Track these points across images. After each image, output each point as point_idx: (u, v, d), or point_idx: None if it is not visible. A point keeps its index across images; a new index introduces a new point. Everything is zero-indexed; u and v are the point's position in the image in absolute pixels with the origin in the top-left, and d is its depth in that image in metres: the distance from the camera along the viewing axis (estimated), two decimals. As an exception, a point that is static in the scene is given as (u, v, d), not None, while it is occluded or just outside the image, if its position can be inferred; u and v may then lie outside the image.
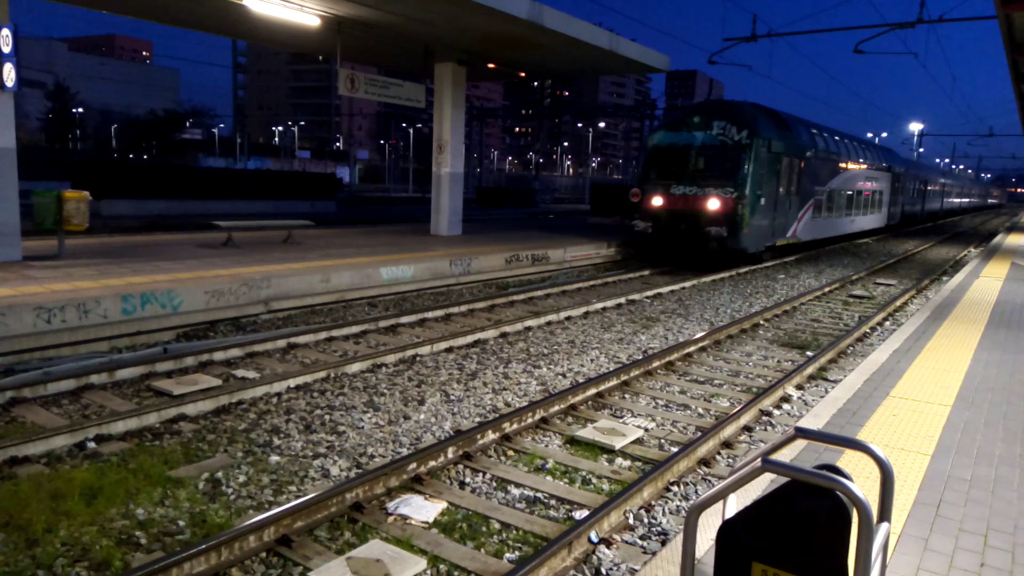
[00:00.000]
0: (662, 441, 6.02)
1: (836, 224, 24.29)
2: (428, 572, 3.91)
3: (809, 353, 9.41)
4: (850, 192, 25.40)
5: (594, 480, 5.20)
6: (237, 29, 16.58)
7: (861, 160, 26.57)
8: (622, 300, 12.44)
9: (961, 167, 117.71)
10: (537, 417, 6.26)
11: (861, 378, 6.43)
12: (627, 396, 7.26)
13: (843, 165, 24.04)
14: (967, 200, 71.00)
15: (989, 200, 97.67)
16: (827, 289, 15.00)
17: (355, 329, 9.41)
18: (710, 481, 5.29)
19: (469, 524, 4.49)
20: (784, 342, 10.09)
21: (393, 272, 12.31)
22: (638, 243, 17.93)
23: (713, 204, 16.40)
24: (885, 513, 2.39)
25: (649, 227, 17.32)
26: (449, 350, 8.75)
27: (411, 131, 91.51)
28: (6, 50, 10.41)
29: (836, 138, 24.01)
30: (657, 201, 17.25)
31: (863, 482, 4.08)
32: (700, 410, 6.92)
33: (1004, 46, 13.88)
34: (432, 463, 5.18)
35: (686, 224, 16.75)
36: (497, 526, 4.48)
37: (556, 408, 6.50)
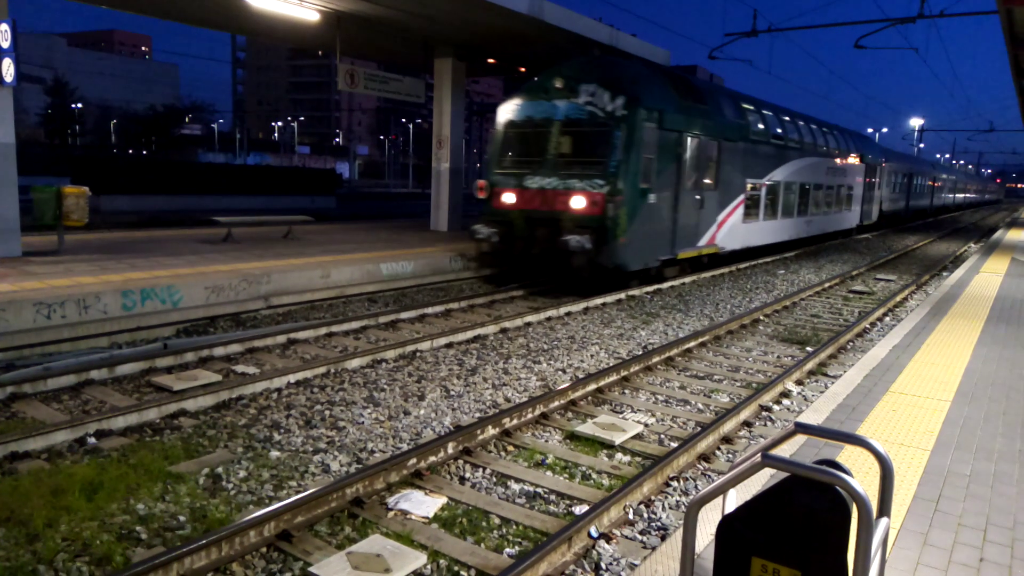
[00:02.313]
0: (662, 436, 6.03)
1: (781, 227, 19.53)
2: (428, 567, 3.92)
3: (809, 349, 9.41)
4: (804, 186, 20.73)
5: (594, 475, 5.21)
6: (237, 24, 16.55)
7: (821, 147, 21.96)
8: (621, 296, 12.44)
9: (962, 162, 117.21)
10: (537, 412, 6.27)
11: (861, 374, 6.43)
12: (627, 391, 7.27)
13: (793, 152, 19.45)
14: (962, 196, 67.42)
15: (986, 196, 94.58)
16: (827, 285, 14.99)
17: (355, 325, 9.41)
18: (710, 476, 5.29)
19: (469, 519, 4.50)
20: (784, 338, 10.09)
21: (393, 268, 12.31)
22: (482, 257, 12.92)
23: (577, 203, 11.72)
24: (885, 508, 2.40)
25: (495, 234, 12.39)
26: (449, 346, 8.76)
27: (411, 127, 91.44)
28: (5, 45, 10.39)
29: (784, 118, 19.42)
30: (508, 198, 12.55)
31: (863, 477, 4.08)
32: (700, 405, 6.92)
33: (1005, 41, 13.85)
34: (432, 458, 5.18)
35: (544, 230, 11.88)
36: (497, 521, 4.49)
37: (556, 404, 6.50)
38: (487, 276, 13.74)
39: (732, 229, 16.09)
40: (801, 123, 20.72)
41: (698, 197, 14.17)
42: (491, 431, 5.75)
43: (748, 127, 16.37)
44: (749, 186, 16.69)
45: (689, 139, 13.54)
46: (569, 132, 12.36)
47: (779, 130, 18.58)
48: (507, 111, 13.16)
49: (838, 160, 23.71)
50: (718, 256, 15.91)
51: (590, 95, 12.14)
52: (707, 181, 14.55)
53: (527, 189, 12.35)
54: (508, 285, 12.96)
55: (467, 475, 5.13)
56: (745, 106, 16.79)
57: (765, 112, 18.08)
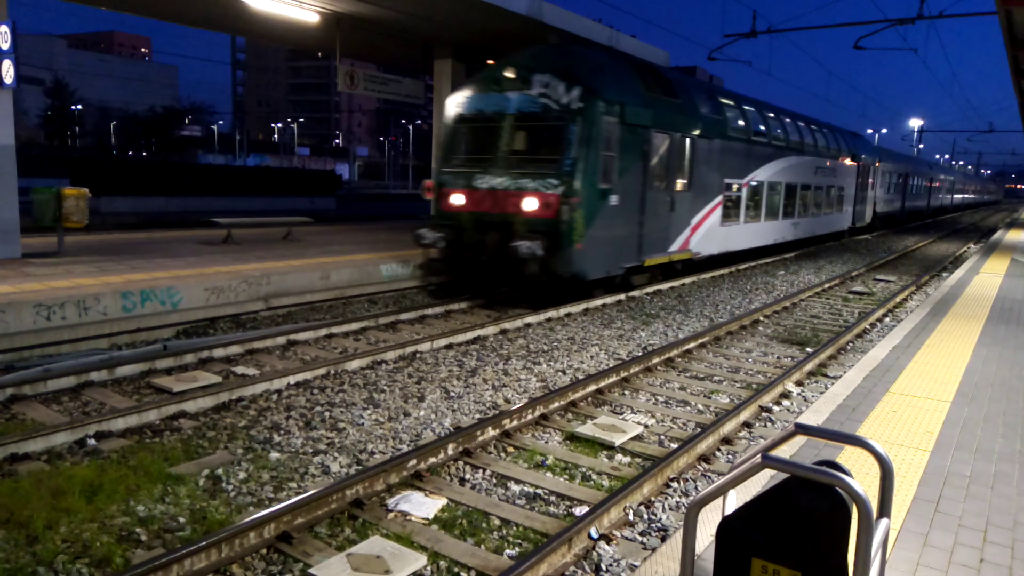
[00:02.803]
0: (662, 437, 6.03)
1: (765, 230, 18.34)
2: (428, 568, 3.92)
3: (809, 349, 9.41)
4: (790, 186, 19.54)
5: (594, 476, 5.20)
6: (236, 25, 16.56)
7: (810, 145, 20.82)
8: (621, 297, 12.44)
9: (961, 163, 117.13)
10: (537, 414, 6.27)
11: (861, 374, 6.43)
12: (627, 392, 7.27)
13: (777, 150, 18.31)
14: (960, 197, 66.30)
15: (985, 196, 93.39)
16: (827, 285, 15.00)
17: (355, 326, 9.41)
18: (710, 477, 5.29)
19: (469, 520, 4.49)
20: (784, 338, 10.09)
21: (393, 269, 12.31)
22: (428, 265, 11.78)
23: (529, 205, 10.63)
24: (885, 509, 2.40)
25: (441, 239, 11.30)
26: (449, 347, 8.75)
27: (411, 128, 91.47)
28: (4, 47, 10.39)
29: (768, 114, 18.27)
30: (457, 200, 11.45)
31: (863, 478, 4.08)
32: (700, 406, 6.92)
33: (1004, 42, 13.86)
34: (432, 460, 5.18)
35: (494, 235, 10.79)
36: (497, 522, 4.48)
37: (556, 405, 6.50)
38: (434, 286, 12.63)
39: (708, 233, 14.93)
40: (787, 120, 19.67)
41: (668, 199, 13.05)
42: (491, 432, 5.74)
43: (726, 123, 15.24)
44: (728, 186, 15.55)
45: (657, 135, 12.41)
46: (522, 127, 11.26)
47: (762, 127, 17.45)
48: (456, 104, 12.01)
49: (828, 159, 22.64)
50: (693, 262, 14.78)
51: (544, 86, 11.00)
52: (679, 181, 13.43)
53: (477, 189, 11.24)
54: (454, 296, 11.72)
55: (467, 476, 5.13)
56: (723, 101, 15.66)
57: (746, 108, 16.93)
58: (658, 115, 12.42)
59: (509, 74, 11.38)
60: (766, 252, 19.98)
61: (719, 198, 15.16)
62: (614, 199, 11.31)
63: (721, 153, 15.00)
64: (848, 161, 24.95)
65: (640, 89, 12.15)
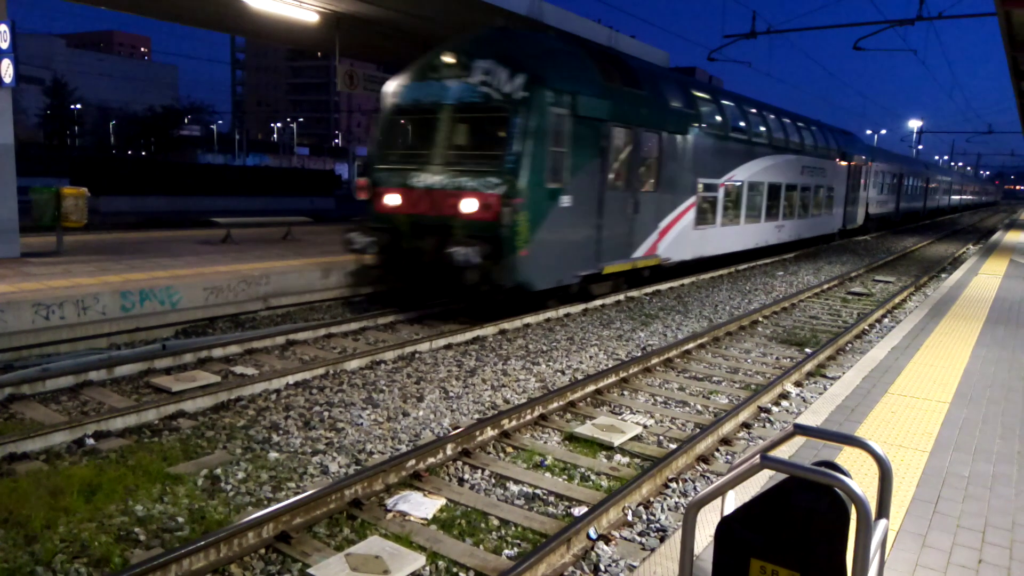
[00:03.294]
0: (661, 438, 6.03)
1: (745, 233, 17.19)
2: (427, 568, 3.92)
3: (808, 350, 9.42)
4: (774, 186, 18.38)
5: (593, 477, 5.21)
6: (236, 25, 16.56)
7: (796, 143, 19.76)
8: (620, 297, 12.44)
9: (960, 164, 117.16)
10: (536, 414, 6.27)
11: (860, 375, 6.44)
12: (626, 393, 7.27)
13: (759, 148, 17.21)
14: (957, 198, 65.48)
15: (983, 198, 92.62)
16: (826, 286, 15.01)
17: (354, 326, 9.41)
18: (709, 478, 5.29)
19: (468, 520, 4.49)
20: (783, 339, 10.09)
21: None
22: (360, 272, 10.84)
23: (467, 206, 9.56)
24: (883, 509, 2.40)
25: (373, 244, 10.17)
26: (448, 347, 8.75)
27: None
28: (4, 46, 10.38)
29: (749, 110, 17.20)
30: (392, 200, 10.32)
31: (861, 479, 4.09)
32: (699, 407, 6.92)
33: (1003, 43, 13.87)
34: (431, 460, 5.18)
35: (431, 240, 9.72)
36: (496, 522, 4.48)
37: (555, 405, 6.50)
38: (360, 296, 11.43)
39: (680, 237, 13.74)
40: (771, 116, 18.53)
41: (631, 200, 11.90)
42: (490, 432, 5.74)
43: (700, 118, 14.07)
44: (702, 187, 14.45)
45: (617, 129, 11.25)
46: (461, 119, 10.13)
47: (742, 123, 16.36)
48: (392, 93, 10.74)
49: (817, 158, 21.61)
50: (663, 269, 13.61)
51: (485, 73, 9.80)
52: (644, 180, 12.31)
53: (413, 189, 10.09)
54: (382, 308, 10.61)
55: (466, 476, 5.13)
56: (697, 94, 14.49)
57: (724, 102, 15.80)
58: (618, 107, 11.27)
59: (448, 59, 10.17)
60: (746, 257, 18.84)
61: (692, 199, 14.08)
62: (566, 200, 10.18)
63: (694, 151, 13.92)
64: (838, 160, 24.12)
65: (596, 78, 10.97)
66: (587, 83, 10.65)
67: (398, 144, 10.77)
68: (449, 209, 9.71)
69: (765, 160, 17.56)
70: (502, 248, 9.33)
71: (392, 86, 10.78)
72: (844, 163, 24.57)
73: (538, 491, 4.93)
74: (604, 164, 10.98)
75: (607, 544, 4.20)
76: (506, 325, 9.77)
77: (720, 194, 15.34)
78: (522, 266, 9.49)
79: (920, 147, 70.43)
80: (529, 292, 9.89)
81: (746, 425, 6.41)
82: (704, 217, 14.73)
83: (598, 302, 11.77)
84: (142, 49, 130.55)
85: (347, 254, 10.68)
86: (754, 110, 17.50)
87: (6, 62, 10.36)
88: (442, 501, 4.70)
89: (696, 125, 13.88)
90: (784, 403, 7.14)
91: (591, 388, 7.03)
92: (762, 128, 17.52)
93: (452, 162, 9.91)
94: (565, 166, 10.11)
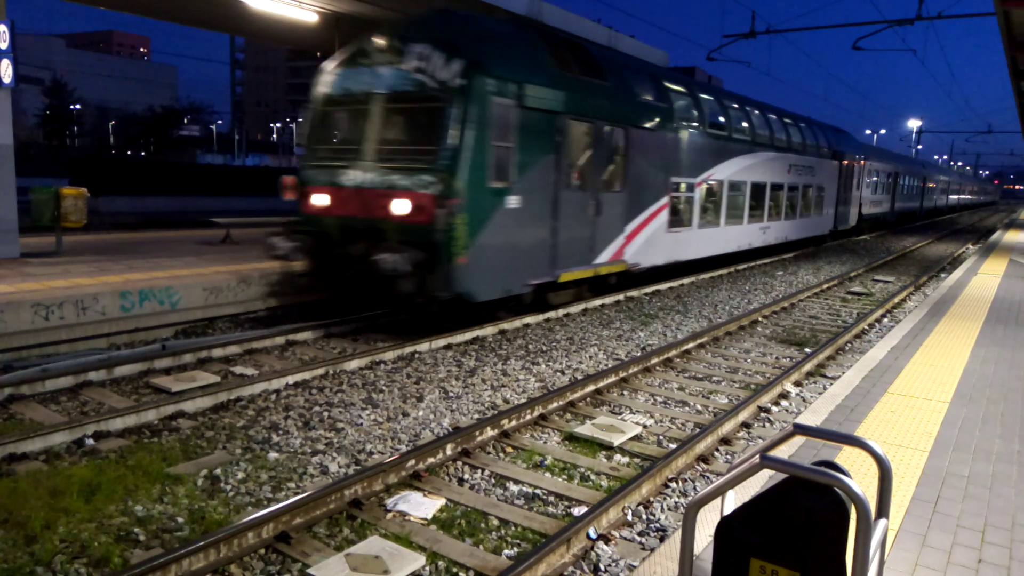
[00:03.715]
0: (660, 438, 6.03)
1: (726, 236, 16.15)
2: (427, 568, 3.92)
3: (807, 350, 9.42)
4: (758, 186, 17.39)
5: (593, 477, 5.21)
6: (236, 25, 16.56)
7: (782, 140, 18.79)
8: (620, 297, 12.44)
9: (959, 163, 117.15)
10: (536, 414, 6.27)
11: (859, 375, 6.44)
12: (626, 393, 7.27)
13: (741, 145, 16.21)
14: (956, 197, 64.89)
15: (982, 197, 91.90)
16: (825, 286, 15.01)
17: (354, 326, 9.40)
18: (708, 478, 5.29)
19: (468, 521, 4.49)
20: (782, 339, 10.10)
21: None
22: (286, 280, 10.06)
23: (399, 207, 8.61)
24: (883, 509, 2.40)
25: (297, 250, 9.28)
26: (448, 347, 8.75)
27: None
28: (3, 46, 10.38)
29: (730, 104, 16.18)
30: (320, 200, 9.38)
31: (861, 478, 4.09)
32: (698, 407, 6.92)
33: (1003, 43, 13.88)
34: (431, 460, 5.18)
35: (361, 245, 8.73)
36: (496, 522, 4.48)
37: (555, 405, 6.50)
38: (282, 308, 10.27)
39: (651, 240, 12.75)
40: (754, 112, 17.48)
41: (592, 201, 10.88)
42: (490, 432, 5.74)
43: (673, 113, 13.08)
44: (677, 186, 13.51)
45: (575, 123, 10.29)
46: (394, 110, 9.09)
47: (721, 119, 15.28)
48: (323, 82, 9.76)
49: (806, 156, 20.68)
50: (631, 275, 12.65)
51: (420, 59, 8.83)
52: (608, 179, 11.31)
53: (343, 188, 9.12)
54: (305, 319, 9.66)
55: (466, 476, 5.13)
56: (671, 87, 13.42)
57: (702, 96, 14.78)
58: (576, 98, 10.27)
59: (381, 44, 9.19)
60: (728, 260, 17.70)
61: (665, 200, 13.06)
62: (513, 201, 9.20)
63: (667, 147, 12.95)
64: (830, 159, 23.23)
65: (549, 65, 9.93)
66: (538, 71, 9.67)
67: (328, 138, 9.75)
68: (380, 211, 8.74)
69: (748, 158, 16.61)
70: (437, 255, 8.39)
71: (323, 74, 9.83)
72: (836, 162, 23.86)
73: (538, 491, 4.93)
74: (559, 161, 10.01)
75: (607, 544, 4.20)
76: (506, 325, 9.77)
77: (697, 194, 14.37)
78: (461, 275, 8.54)
79: (919, 147, 70.45)
80: (472, 303, 8.96)
81: (746, 425, 6.41)
82: (679, 219, 13.81)
83: (597, 302, 11.77)
84: (141, 49, 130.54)
85: (271, 261, 9.59)
86: (735, 105, 16.55)
87: (6, 62, 10.36)
88: (442, 501, 4.70)
89: (669, 120, 12.97)
90: (784, 403, 7.14)
91: (591, 388, 7.03)
92: (744, 124, 16.56)
93: (384, 158, 8.95)
94: (512, 163, 9.14)
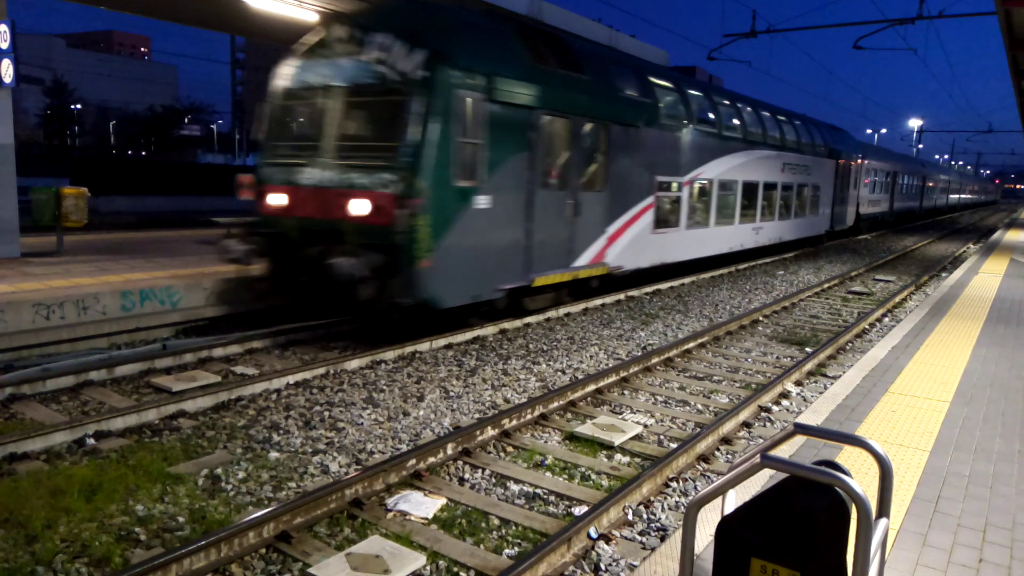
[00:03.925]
0: (661, 437, 6.03)
1: (716, 237, 15.52)
2: (427, 568, 3.92)
3: (808, 349, 9.42)
4: (750, 185, 16.81)
5: (593, 476, 5.21)
6: (236, 25, 16.56)
7: (775, 138, 18.22)
8: (620, 296, 12.44)
9: (960, 163, 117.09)
10: (536, 413, 6.27)
11: (860, 374, 6.44)
12: (626, 392, 7.27)
13: (732, 143, 15.65)
14: (956, 197, 64.40)
15: (982, 197, 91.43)
16: (826, 285, 15.01)
17: (355, 325, 9.40)
18: (709, 477, 5.29)
19: (468, 520, 4.49)
20: (783, 338, 10.09)
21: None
22: (243, 285, 9.59)
23: (358, 207, 8.13)
24: (884, 509, 2.40)
25: (251, 252, 8.88)
26: (448, 346, 8.75)
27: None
28: (4, 46, 10.39)
29: (720, 100, 15.64)
30: (277, 200, 8.94)
31: (862, 478, 4.09)
32: (699, 406, 6.92)
33: (1003, 42, 13.87)
34: (431, 459, 5.18)
35: (320, 248, 8.20)
36: (496, 522, 4.48)
37: (555, 404, 6.50)
38: (232, 314, 9.66)
39: (635, 242, 12.21)
40: (747, 109, 16.91)
41: (570, 201, 10.35)
42: (490, 432, 5.74)
43: (658, 109, 12.52)
44: (663, 186, 12.96)
45: (551, 119, 9.77)
46: (354, 104, 8.62)
47: (711, 116, 14.73)
48: (281, 74, 9.30)
49: (801, 155, 20.09)
50: (613, 278, 12.07)
51: (381, 50, 8.34)
52: (588, 178, 10.80)
53: (301, 187, 8.67)
54: (265, 325, 9.20)
55: (466, 476, 5.13)
56: (656, 81, 12.84)
57: (690, 92, 14.12)
58: (552, 93, 9.72)
59: (341, 34, 8.70)
60: (719, 262, 17.10)
61: (650, 200, 12.50)
62: (482, 201, 8.70)
63: (652, 145, 12.35)
64: (826, 157, 22.65)
65: (522, 57, 9.39)
66: (510, 63, 9.13)
67: (286, 134, 9.26)
68: (338, 211, 8.25)
69: (739, 156, 15.99)
70: (398, 258, 7.89)
71: (282, 67, 9.34)
72: (832, 160, 23.32)
73: (538, 490, 4.93)
74: (534, 159, 9.47)
75: (607, 543, 4.20)
76: (506, 325, 9.77)
77: (685, 194, 13.75)
78: (424, 280, 8.03)
79: (920, 146, 70.41)
80: (437, 310, 8.46)
81: (746, 424, 6.41)
82: (665, 220, 13.21)
83: (598, 301, 11.77)
84: (142, 49, 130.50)
85: (226, 264, 9.14)
86: (726, 101, 15.89)
87: (6, 62, 10.36)
88: (442, 501, 4.70)
89: (654, 116, 12.37)
90: (784, 402, 7.14)
91: (591, 387, 7.03)
92: (735, 121, 15.97)
93: (343, 156, 8.47)
94: (481, 161, 8.64)
